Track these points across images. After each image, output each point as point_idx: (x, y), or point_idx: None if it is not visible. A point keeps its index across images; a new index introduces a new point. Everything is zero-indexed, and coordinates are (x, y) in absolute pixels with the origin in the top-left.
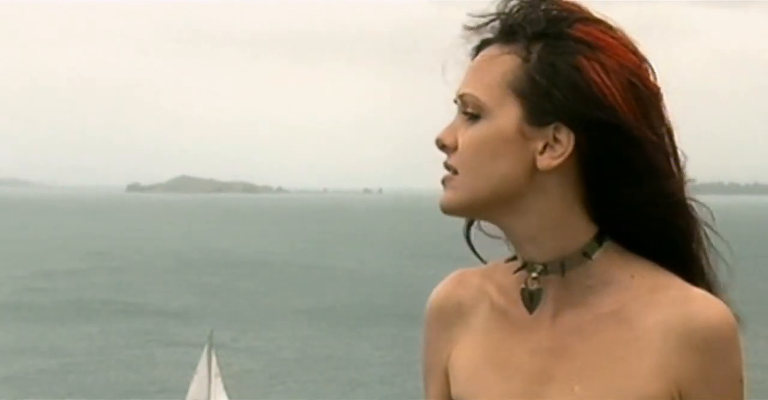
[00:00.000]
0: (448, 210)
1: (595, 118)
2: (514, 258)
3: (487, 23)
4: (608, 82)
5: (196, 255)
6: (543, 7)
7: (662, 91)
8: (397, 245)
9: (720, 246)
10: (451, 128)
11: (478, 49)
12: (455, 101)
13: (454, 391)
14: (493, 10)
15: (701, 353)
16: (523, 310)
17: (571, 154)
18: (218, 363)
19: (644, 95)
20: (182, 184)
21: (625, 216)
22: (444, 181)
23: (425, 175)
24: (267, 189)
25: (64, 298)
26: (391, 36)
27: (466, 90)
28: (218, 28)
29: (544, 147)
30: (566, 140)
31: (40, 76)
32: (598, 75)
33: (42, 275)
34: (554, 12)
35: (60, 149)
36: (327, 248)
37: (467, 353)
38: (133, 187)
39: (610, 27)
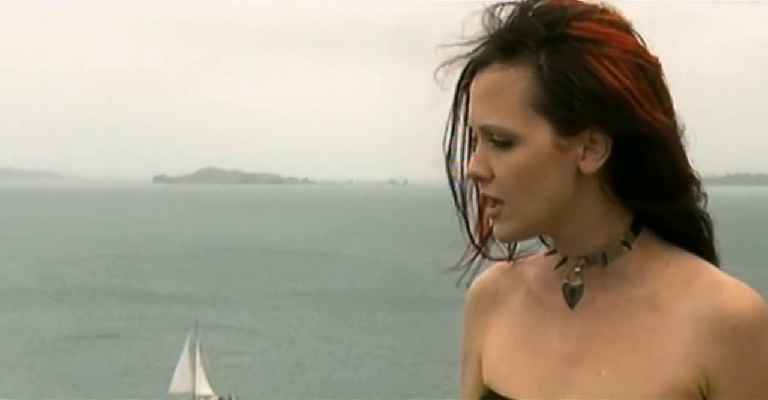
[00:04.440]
0: (508, 241)
1: (619, 117)
2: (554, 252)
3: (480, 46)
4: (619, 75)
5: (215, 244)
6: (531, 12)
7: (660, 60)
8: (415, 235)
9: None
10: (480, 158)
11: (473, 71)
12: (468, 131)
13: (485, 374)
14: (479, 28)
15: (730, 341)
16: (558, 297)
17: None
18: (201, 354)
19: (651, 74)
20: (208, 175)
21: (654, 203)
22: (492, 215)
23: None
24: (292, 180)
25: (83, 282)
26: (411, 25)
27: (488, 121)
28: (241, 20)
29: (584, 151)
30: (603, 140)
31: (68, 69)
32: (609, 70)
33: (64, 261)
34: (546, 16)
35: (89, 142)
36: (345, 238)
37: (499, 337)
38: (160, 179)
39: (602, 10)
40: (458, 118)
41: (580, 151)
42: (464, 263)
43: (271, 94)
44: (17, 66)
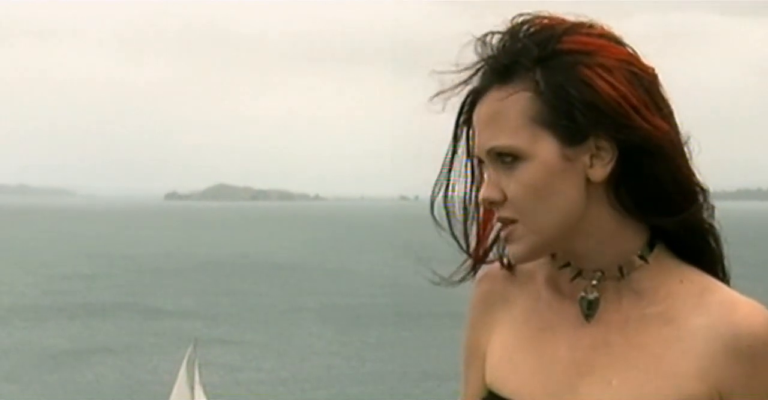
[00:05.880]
0: (523, 260)
1: (618, 124)
2: (568, 264)
3: (476, 72)
4: (614, 82)
5: (225, 260)
6: (522, 34)
7: (656, 71)
8: (425, 250)
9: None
10: (491, 183)
11: (473, 100)
12: (476, 159)
13: (488, 376)
14: (472, 55)
15: (745, 359)
16: (568, 306)
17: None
18: (199, 371)
19: (646, 81)
20: (219, 192)
21: (661, 214)
22: (506, 237)
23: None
24: (303, 197)
25: (91, 299)
26: (418, 35)
27: (494, 143)
28: (249, 33)
29: (591, 159)
30: (608, 145)
31: (79, 86)
32: (603, 79)
33: (72, 278)
34: (536, 36)
35: (100, 158)
36: (355, 254)
37: (505, 338)
38: (171, 196)
39: (589, 26)
40: (456, 152)
41: (587, 159)
42: (459, 278)
43: (281, 109)
44: (29, 83)
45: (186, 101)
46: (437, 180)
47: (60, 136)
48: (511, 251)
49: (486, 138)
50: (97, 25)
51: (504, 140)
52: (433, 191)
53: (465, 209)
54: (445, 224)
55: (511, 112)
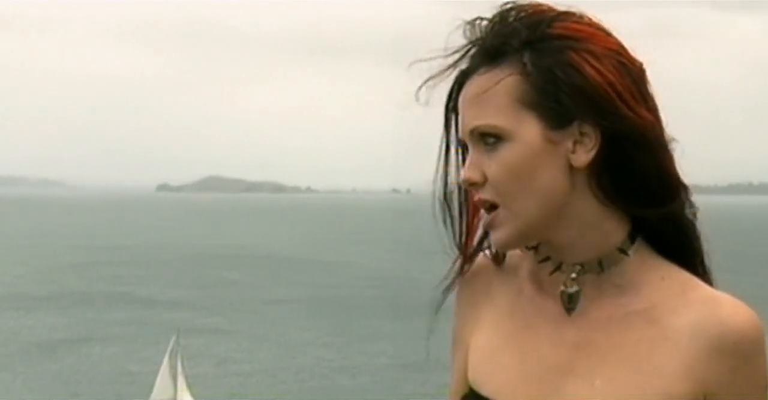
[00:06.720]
0: (506, 247)
1: (603, 110)
2: (547, 258)
3: (465, 53)
4: (602, 69)
5: (217, 252)
6: (512, 18)
7: (644, 66)
8: (417, 243)
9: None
10: (472, 164)
11: (460, 82)
12: (460, 141)
13: (470, 373)
14: (460, 39)
15: (731, 356)
16: (550, 303)
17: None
18: (181, 361)
19: (634, 73)
20: (211, 184)
21: (642, 205)
22: (489, 224)
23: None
24: (295, 189)
25: (81, 288)
26: (412, 30)
27: (477, 123)
28: (243, 27)
29: (574, 144)
30: (593, 132)
31: (72, 78)
32: (591, 65)
33: (62, 268)
34: (527, 19)
35: (92, 150)
36: (347, 246)
37: (488, 335)
38: (163, 187)
39: (580, 16)
40: (451, 141)
41: (570, 144)
42: (452, 275)
43: (273, 102)
44: (21, 74)
45: (179, 93)
46: (436, 171)
47: (52, 127)
48: (494, 237)
49: (470, 117)
50: (91, 18)
51: (488, 120)
52: (434, 182)
53: (448, 198)
54: (440, 216)
55: (496, 92)
